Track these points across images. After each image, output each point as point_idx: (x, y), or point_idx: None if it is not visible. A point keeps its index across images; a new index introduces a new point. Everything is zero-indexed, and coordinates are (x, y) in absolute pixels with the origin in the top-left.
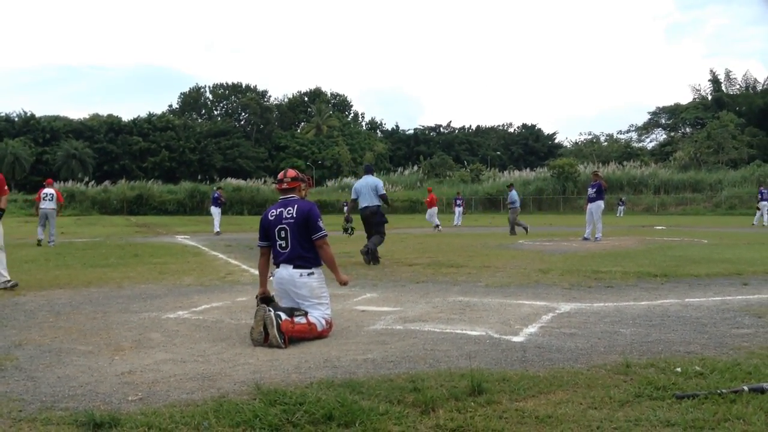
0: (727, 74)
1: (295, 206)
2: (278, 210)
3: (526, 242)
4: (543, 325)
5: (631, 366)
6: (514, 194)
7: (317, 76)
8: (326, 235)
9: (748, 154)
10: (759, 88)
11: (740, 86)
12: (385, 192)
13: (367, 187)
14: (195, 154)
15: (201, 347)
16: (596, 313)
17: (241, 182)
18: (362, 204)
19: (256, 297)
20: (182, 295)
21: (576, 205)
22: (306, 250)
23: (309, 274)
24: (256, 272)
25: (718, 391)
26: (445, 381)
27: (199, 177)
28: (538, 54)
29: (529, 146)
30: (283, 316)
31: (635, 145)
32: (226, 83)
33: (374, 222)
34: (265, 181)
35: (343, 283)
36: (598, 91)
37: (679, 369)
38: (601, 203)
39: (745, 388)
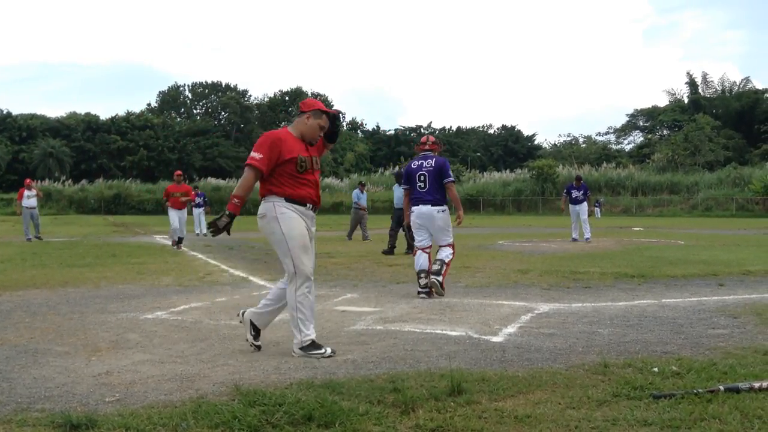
0: (704, 77)
1: (434, 159)
2: (419, 162)
3: (506, 243)
4: (522, 325)
5: (608, 366)
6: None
7: (298, 75)
8: (454, 181)
9: (724, 156)
10: (735, 90)
11: (716, 89)
12: None
13: None
14: (174, 153)
15: (179, 348)
16: (574, 313)
17: (220, 182)
18: (400, 206)
19: (403, 224)
20: (160, 296)
21: (554, 206)
22: (438, 192)
23: (443, 211)
24: (236, 272)
25: (695, 391)
26: (425, 381)
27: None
28: (517, 56)
29: (508, 147)
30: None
31: (613, 146)
32: (206, 82)
33: None
34: None
35: (460, 221)
36: (576, 93)
37: (656, 369)
38: (585, 205)
39: (721, 387)
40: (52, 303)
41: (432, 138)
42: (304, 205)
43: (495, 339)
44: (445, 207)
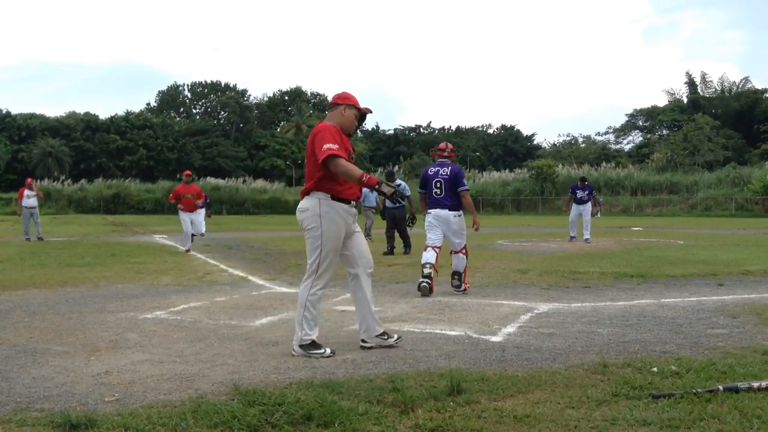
0: (703, 77)
1: (450, 167)
2: (436, 168)
3: (505, 243)
4: (521, 325)
5: (608, 366)
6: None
7: (297, 75)
8: (468, 189)
9: (723, 156)
10: (734, 90)
11: (716, 89)
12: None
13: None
14: (173, 152)
15: (179, 348)
16: (574, 313)
17: (220, 181)
18: (393, 205)
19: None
20: (160, 295)
21: (554, 206)
22: (453, 198)
23: (458, 216)
24: (235, 272)
25: (694, 391)
26: (425, 381)
27: (178, 176)
28: (517, 56)
29: (508, 147)
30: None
31: (613, 146)
32: (205, 81)
33: (402, 220)
34: (244, 181)
35: (477, 227)
36: (576, 93)
37: (655, 369)
38: (589, 205)
39: (720, 387)
40: (51, 302)
41: (450, 146)
42: (349, 203)
43: (494, 339)
44: (461, 212)
